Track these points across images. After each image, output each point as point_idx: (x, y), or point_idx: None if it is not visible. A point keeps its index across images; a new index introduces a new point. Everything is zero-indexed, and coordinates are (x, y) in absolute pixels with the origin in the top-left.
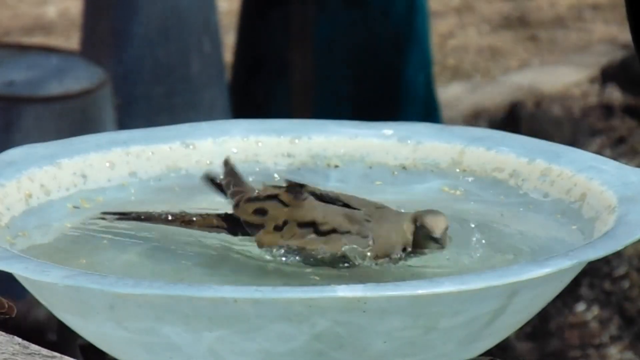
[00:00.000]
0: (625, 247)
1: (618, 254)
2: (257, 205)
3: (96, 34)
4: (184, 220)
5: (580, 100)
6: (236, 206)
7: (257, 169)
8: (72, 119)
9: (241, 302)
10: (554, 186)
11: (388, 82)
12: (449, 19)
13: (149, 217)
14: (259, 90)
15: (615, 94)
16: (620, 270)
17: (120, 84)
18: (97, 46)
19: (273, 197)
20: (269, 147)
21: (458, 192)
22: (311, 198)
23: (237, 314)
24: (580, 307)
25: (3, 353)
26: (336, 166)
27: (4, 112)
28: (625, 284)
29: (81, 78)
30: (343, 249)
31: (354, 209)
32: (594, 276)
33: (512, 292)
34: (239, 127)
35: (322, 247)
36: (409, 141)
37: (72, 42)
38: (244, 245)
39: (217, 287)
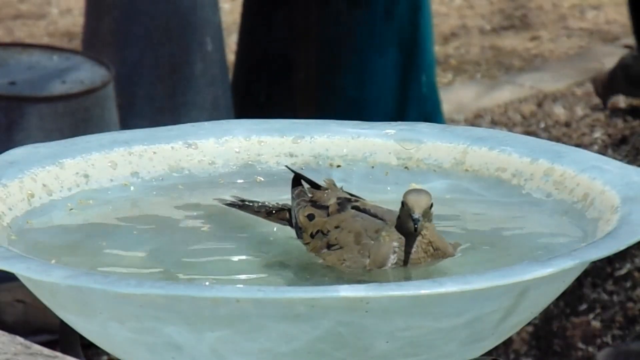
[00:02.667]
0: (628, 247)
1: (621, 254)
2: (311, 211)
3: (98, 34)
4: (266, 212)
5: (583, 101)
6: (301, 207)
7: (260, 169)
8: (74, 118)
9: (243, 301)
10: (556, 186)
11: (390, 82)
12: (451, 19)
13: (245, 207)
14: (261, 90)
15: (617, 95)
16: (623, 270)
17: (123, 84)
18: (99, 46)
19: (326, 207)
20: (272, 147)
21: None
22: (350, 211)
23: (239, 314)
24: (583, 307)
25: (5, 353)
26: (338, 166)
27: (7, 111)
28: (628, 283)
29: (84, 78)
30: (343, 265)
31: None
32: (597, 276)
33: (519, 292)
34: (241, 127)
35: (328, 260)
36: (411, 141)
37: (75, 42)
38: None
39: (219, 286)
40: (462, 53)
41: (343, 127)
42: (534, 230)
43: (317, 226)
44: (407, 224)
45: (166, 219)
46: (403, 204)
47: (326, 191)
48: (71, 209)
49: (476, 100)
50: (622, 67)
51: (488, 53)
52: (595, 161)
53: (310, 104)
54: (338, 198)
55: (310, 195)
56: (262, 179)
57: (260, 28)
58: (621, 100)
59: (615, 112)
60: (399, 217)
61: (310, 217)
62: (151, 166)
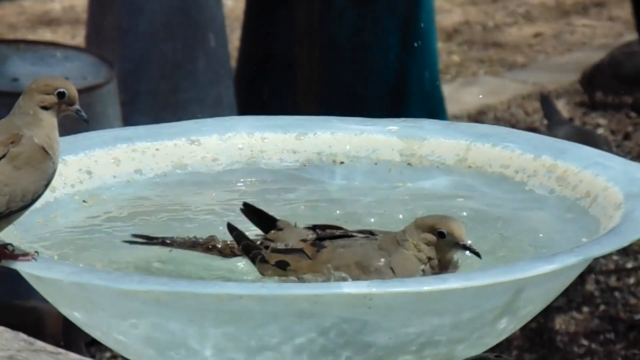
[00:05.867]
0: (631, 243)
1: (624, 250)
2: (280, 257)
3: (101, 31)
4: (206, 247)
5: (586, 97)
6: (261, 257)
7: (263, 166)
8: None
9: (247, 298)
10: (559, 182)
11: (393, 79)
12: (454, 16)
13: (173, 242)
14: (264, 87)
15: (600, 90)
16: (626, 267)
17: (126, 80)
18: (102, 42)
19: (297, 250)
20: (275, 144)
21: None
22: (330, 247)
23: (242, 311)
24: (586, 303)
25: (9, 350)
26: (342, 162)
27: (10, 108)
28: (631, 280)
29: (86, 74)
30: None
31: (374, 237)
32: (600, 272)
33: (518, 289)
34: (244, 124)
35: None
36: (414, 138)
37: (78, 38)
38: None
39: (222, 283)
40: (465, 50)
41: (346, 124)
42: (536, 227)
43: (295, 270)
44: (450, 252)
45: (169, 215)
46: (442, 234)
47: (281, 232)
48: (74, 205)
49: (479, 96)
50: (611, 65)
51: (491, 49)
52: (599, 158)
53: (313, 101)
54: (302, 240)
55: (268, 241)
56: (256, 179)
57: (264, 25)
58: (625, 97)
59: (619, 108)
60: None
61: (282, 264)
62: (154, 163)
